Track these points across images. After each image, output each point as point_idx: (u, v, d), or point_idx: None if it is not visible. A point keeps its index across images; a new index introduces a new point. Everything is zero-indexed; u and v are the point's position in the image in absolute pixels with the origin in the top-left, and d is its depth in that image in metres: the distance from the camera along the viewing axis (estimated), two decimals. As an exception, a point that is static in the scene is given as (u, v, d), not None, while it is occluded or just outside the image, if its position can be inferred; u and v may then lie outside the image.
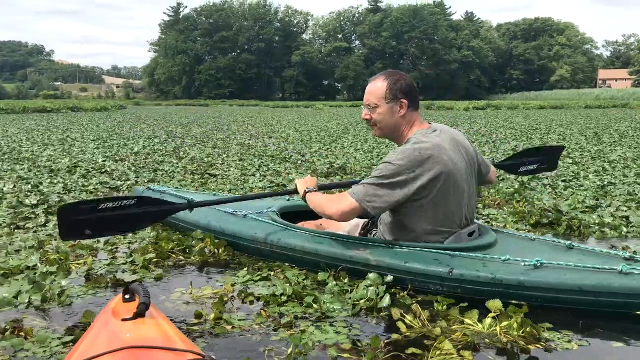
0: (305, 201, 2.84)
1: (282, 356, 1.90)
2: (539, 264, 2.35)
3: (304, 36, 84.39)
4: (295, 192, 2.99)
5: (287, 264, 2.91)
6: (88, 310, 2.23)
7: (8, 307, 2.34)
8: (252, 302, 2.44)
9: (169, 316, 1.99)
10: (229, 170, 6.59)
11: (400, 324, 2.17)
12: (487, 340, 2.05)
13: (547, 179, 5.85)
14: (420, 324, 2.18)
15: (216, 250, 3.11)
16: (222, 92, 73.17)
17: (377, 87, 2.69)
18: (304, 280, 2.69)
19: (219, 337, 2.09)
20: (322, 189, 3.00)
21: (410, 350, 1.96)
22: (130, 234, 3.49)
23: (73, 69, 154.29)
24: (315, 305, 2.36)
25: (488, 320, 2.15)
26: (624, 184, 5.53)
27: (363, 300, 2.37)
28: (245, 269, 2.88)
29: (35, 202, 4.54)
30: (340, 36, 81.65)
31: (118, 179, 5.92)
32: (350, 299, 2.41)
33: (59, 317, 2.27)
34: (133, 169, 6.72)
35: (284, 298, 2.43)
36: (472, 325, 2.16)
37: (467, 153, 2.76)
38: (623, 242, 3.48)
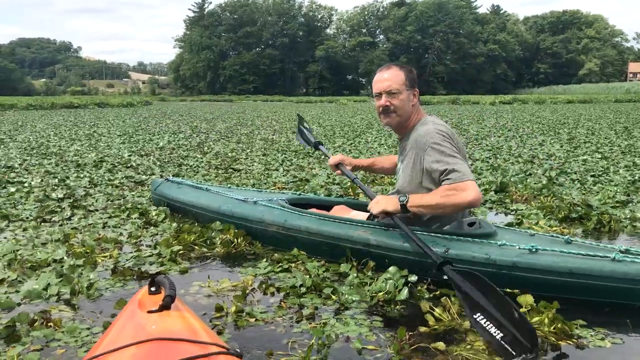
0: (407, 212, 2.60)
1: (305, 348, 1.89)
2: (534, 249, 2.39)
3: (328, 31, 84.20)
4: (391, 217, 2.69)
5: (303, 253, 2.93)
6: (121, 299, 2.25)
7: (38, 300, 2.36)
8: (272, 294, 2.45)
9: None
10: (252, 165, 6.61)
11: (428, 317, 2.15)
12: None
13: (575, 173, 5.74)
14: (449, 317, 2.15)
15: (236, 240, 3.14)
16: (246, 87, 73.49)
17: (396, 74, 2.72)
18: (324, 272, 2.69)
19: (241, 329, 2.09)
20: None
21: (437, 343, 1.94)
22: (152, 227, 3.60)
23: (100, 65, 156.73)
24: (333, 297, 2.37)
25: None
26: (655, 179, 5.40)
27: (381, 293, 2.37)
28: (265, 260, 2.91)
29: (61, 195, 4.61)
30: (364, 30, 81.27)
31: (143, 173, 5.98)
32: (368, 291, 2.41)
33: (87, 308, 2.30)
34: (158, 163, 6.78)
35: (303, 289, 2.45)
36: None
37: None
38: (655, 238, 3.39)
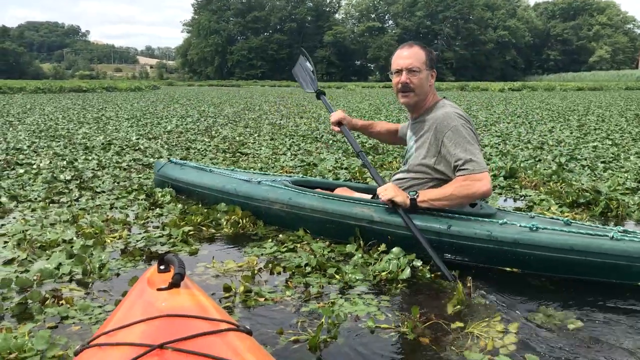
0: (417, 207, 2.60)
1: (314, 327, 1.89)
2: (534, 228, 2.44)
3: (337, 16, 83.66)
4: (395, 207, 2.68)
5: (308, 234, 2.96)
6: (135, 276, 2.26)
7: (49, 279, 2.37)
8: (279, 273, 2.47)
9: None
10: (260, 149, 6.60)
11: (436, 295, 2.15)
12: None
13: (585, 160, 5.70)
14: (460, 296, 2.15)
15: (242, 221, 3.15)
16: (254, 72, 73.31)
17: (418, 52, 2.71)
18: (329, 252, 2.72)
19: (249, 308, 2.10)
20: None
21: (448, 322, 1.94)
22: (158, 208, 3.60)
23: (108, 50, 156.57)
24: (337, 276, 2.39)
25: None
26: (666, 166, 5.35)
27: (384, 272, 2.40)
28: (270, 240, 2.93)
29: (69, 177, 4.63)
30: (373, 16, 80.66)
31: (151, 156, 5.99)
32: (372, 270, 2.44)
33: (97, 287, 2.31)
34: (166, 146, 6.79)
35: (308, 269, 2.47)
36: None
37: None
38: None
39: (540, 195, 4.03)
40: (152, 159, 5.71)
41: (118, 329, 1.19)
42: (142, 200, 3.82)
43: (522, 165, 5.23)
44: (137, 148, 6.61)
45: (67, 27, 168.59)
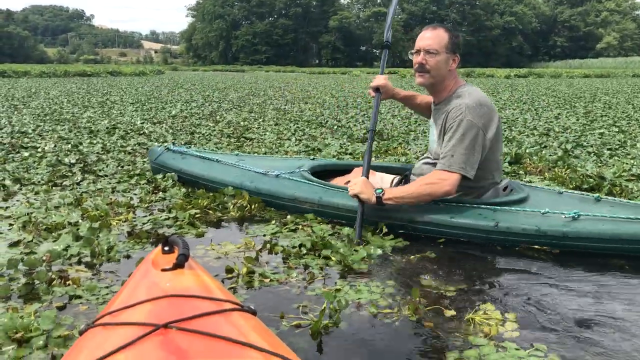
0: (382, 204, 2.66)
1: (315, 312, 1.90)
2: (576, 216, 2.50)
3: (342, 1, 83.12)
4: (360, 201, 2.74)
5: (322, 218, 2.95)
6: (142, 258, 2.26)
7: (58, 260, 2.38)
8: (276, 253, 2.50)
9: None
10: (264, 134, 6.58)
11: (434, 280, 2.16)
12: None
13: (591, 146, 5.67)
14: (461, 279, 2.15)
15: (249, 205, 3.14)
16: (259, 57, 73.03)
17: (440, 35, 2.70)
18: (329, 235, 2.73)
19: (252, 290, 2.11)
20: (367, 174, 2.90)
21: (448, 306, 1.94)
22: (161, 193, 3.55)
23: (112, 34, 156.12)
24: (333, 258, 2.41)
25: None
26: (673, 153, 5.32)
27: (380, 251, 2.49)
28: (274, 222, 2.94)
29: (73, 160, 4.63)
30: (378, 1, 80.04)
31: (155, 140, 5.99)
32: (367, 250, 2.50)
33: (103, 269, 2.32)
34: (170, 131, 6.78)
35: (304, 250, 2.49)
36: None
37: None
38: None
39: (544, 181, 4.02)
40: (156, 143, 5.71)
41: (123, 308, 1.19)
42: (143, 185, 3.80)
43: (527, 151, 5.21)
44: (141, 132, 6.60)
45: (72, 11, 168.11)
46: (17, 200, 3.42)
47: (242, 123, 7.73)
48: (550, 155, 5.06)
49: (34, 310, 1.86)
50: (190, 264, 1.40)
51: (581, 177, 3.95)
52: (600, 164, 4.72)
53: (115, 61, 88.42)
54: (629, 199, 3.54)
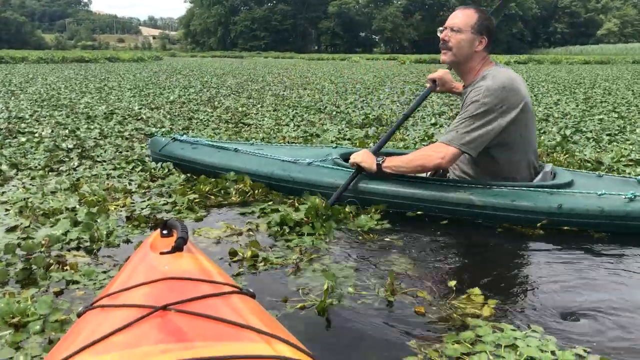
0: (382, 173, 2.75)
1: (317, 292, 1.90)
2: (633, 197, 2.56)
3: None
4: (358, 171, 2.84)
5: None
6: (141, 242, 2.25)
7: (57, 244, 2.37)
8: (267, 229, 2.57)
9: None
10: (262, 120, 6.56)
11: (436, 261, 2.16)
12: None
13: (590, 132, 5.66)
14: (458, 260, 2.15)
15: (252, 190, 3.12)
16: (257, 43, 72.66)
17: (468, 14, 2.70)
18: (315, 211, 2.68)
19: (249, 274, 2.11)
20: (379, 149, 2.99)
21: (424, 289, 1.94)
22: (160, 180, 3.51)
23: (110, 20, 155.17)
24: (320, 230, 2.49)
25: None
26: (673, 139, 5.31)
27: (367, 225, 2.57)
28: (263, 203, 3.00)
29: (71, 146, 4.61)
30: (377, -14, 79.50)
31: (153, 125, 5.96)
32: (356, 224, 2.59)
33: (101, 253, 2.32)
34: (168, 116, 6.76)
35: (286, 228, 2.54)
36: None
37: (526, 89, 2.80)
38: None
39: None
40: (154, 129, 5.69)
41: (121, 291, 1.19)
42: (139, 172, 3.75)
43: (526, 137, 5.18)
44: (139, 118, 6.57)
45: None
46: (14, 186, 3.40)
47: (240, 109, 7.69)
48: (549, 140, 5.05)
49: (30, 295, 1.85)
50: (189, 247, 1.39)
51: (579, 161, 3.98)
52: (599, 150, 4.71)
53: (113, 47, 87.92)
54: None
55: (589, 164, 3.87)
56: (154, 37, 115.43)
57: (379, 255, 2.32)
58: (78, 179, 3.51)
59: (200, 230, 2.60)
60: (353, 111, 7.55)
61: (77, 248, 2.36)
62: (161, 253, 1.33)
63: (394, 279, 1.97)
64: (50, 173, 3.73)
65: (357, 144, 4.81)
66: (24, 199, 3.00)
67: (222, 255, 2.29)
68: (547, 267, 2.20)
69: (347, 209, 2.75)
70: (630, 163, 4.14)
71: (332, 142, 4.97)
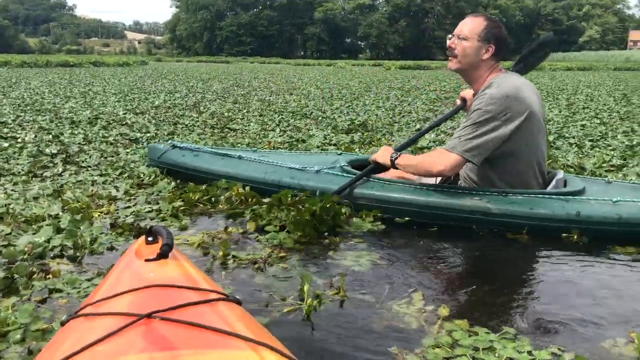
0: (395, 167, 2.81)
1: (302, 296, 1.90)
2: None
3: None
4: (376, 167, 2.93)
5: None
6: (126, 249, 2.23)
7: (39, 250, 2.33)
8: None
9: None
10: (248, 125, 6.55)
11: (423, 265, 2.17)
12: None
13: (573, 138, 5.72)
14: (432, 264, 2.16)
15: (243, 199, 3.06)
16: (243, 49, 72.59)
17: (475, 22, 2.72)
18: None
19: (235, 280, 2.10)
20: (400, 149, 3.00)
21: (424, 290, 1.95)
22: (149, 187, 3.46)
23: (95, 24, 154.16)
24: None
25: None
26: (654, 145, 5.39)
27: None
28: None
29: (55, 151, 4.56)
30: (363, -7, 79.86)
31: (138, 131, 5.93)
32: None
33: (84, 261, 2.28)
34: (153, 121, 6.72)
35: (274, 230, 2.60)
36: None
37: (539, 97, 2.79)
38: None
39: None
40: (139, 134, 5.65)
41: (105, 299, 1.17)
42: (125, 178, 3.70)
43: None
44: (124, 123, 6.53)
45: (53, 1, 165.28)
46: (-5, 191, 3.35)
47: (226, 114, 7.68)
48: (533, 146, 5.09)
49: (11, 304, 1.82)
50: (175, 254, 1.38)
51: (562, 167, 4.03)
52: (581, 155, 4.77)
53: (98, 52, 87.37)
54: None
55: (571, 169, 3.93)
56: (139, 42, 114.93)
57: (370, 260, 2.32)
58: (62, 185, 3.47)
59: (186, 237, 2.59)
60: (339, 117, 7.56)
61: (61, 256, 2.33)
62: (146, 260, 1.32)
63: (343, 282, 1.99)
64: (33, 179, 3.68)
65: (343, 150, 4.81)
66: (5, 205, 2.95)
67: (208, 261, 2.28)
68: (523, 271, 2.24)
69: (343, 210, 2.75)
70: (612, 168, 4.20)
71: (318, 147, 4.97)
